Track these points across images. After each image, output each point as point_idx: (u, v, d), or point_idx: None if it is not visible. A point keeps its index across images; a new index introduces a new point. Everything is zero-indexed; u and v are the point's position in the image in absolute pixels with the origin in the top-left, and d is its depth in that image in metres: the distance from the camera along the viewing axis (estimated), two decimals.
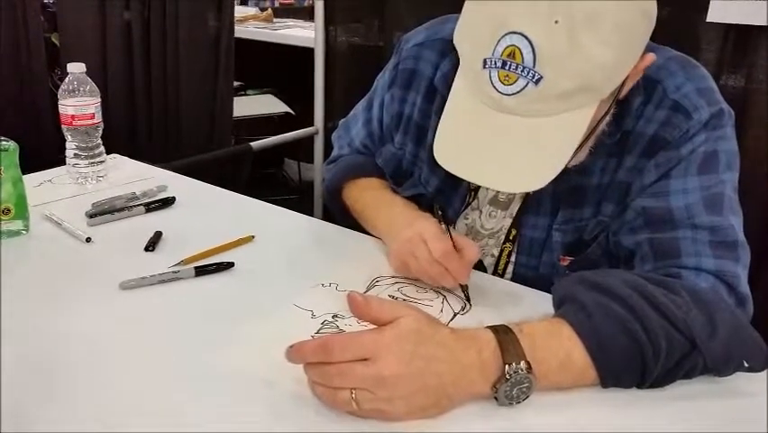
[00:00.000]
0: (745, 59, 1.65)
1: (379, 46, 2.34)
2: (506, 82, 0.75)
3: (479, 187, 1.03)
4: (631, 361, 0.70)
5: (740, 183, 0.93)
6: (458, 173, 0.81)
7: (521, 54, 0.73)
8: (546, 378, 0.69)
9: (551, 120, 0.76)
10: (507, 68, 0.74)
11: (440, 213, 0.95)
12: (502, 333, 0.69)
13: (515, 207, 1.01)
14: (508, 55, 0.73)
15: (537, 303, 0.90)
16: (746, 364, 0.72)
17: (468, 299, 0.91)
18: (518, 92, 0.75)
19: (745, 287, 0.85)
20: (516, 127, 0.77)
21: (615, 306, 0.71)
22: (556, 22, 0.72)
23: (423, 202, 1.07)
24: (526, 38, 0.72)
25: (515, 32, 0.73)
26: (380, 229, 1.05)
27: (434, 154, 0.82)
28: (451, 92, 0.84)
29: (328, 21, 2.50)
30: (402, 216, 1.00)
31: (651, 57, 0.82)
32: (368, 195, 1.12)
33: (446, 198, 1.05)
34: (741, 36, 1.63)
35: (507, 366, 0.66)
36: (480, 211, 1.05)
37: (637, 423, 0.69)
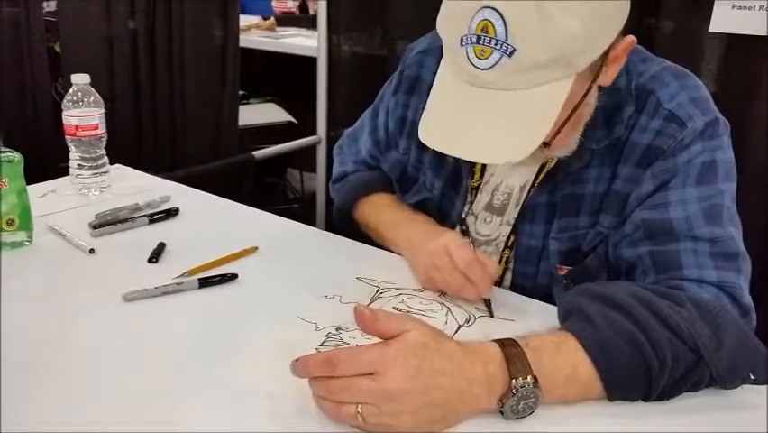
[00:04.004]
0: (747, 69, 1.65)
1: (383, 55, 2.34)
2: (481, 57, 0.76)
3: (476, 191, 1.04)
4: (637, 373, 0.70)
5: (742, 195, 0.92)
6: (440, 149, 0.83)
7: (493, 28, 0.74)
8: (552, 392, 0.69)
9: (528, 93, 0.77)
10: (481, 42, 0.76)
11: (463, 228, 0.97)
12: (508, 347, 0.69)
13: (511, 214, 1.02)
14: (482, 30, 0.75)
15: (542, 315, 0.90)
16: (752, 377, 0.72)
17: (491, 313, 0.91)
18: (494, 65, 0.76)
19: (747, 298, 0.85)
20: (495, 101, 0.78)
21: (620, 318, 0.71)
22: None
23: (428, 207, 1.09)
24: (497, 11, 0.74)
25: (486, 7, 0.74)
26: (401, 245, 1.06)
27: (419, 135, 0.84)
28: (435, 78, 0.85)
29: (331, 30, 2.50)
30: (424, 231, 1.02)
31: (630, 39, 0.83)
32: (384, 212, 1.13)
33: (448, 200, 1.07)
34: (743, 46, 1.63)
35: (513, 381, 0.66)
36: (476, 217, 1.06)
37: None
